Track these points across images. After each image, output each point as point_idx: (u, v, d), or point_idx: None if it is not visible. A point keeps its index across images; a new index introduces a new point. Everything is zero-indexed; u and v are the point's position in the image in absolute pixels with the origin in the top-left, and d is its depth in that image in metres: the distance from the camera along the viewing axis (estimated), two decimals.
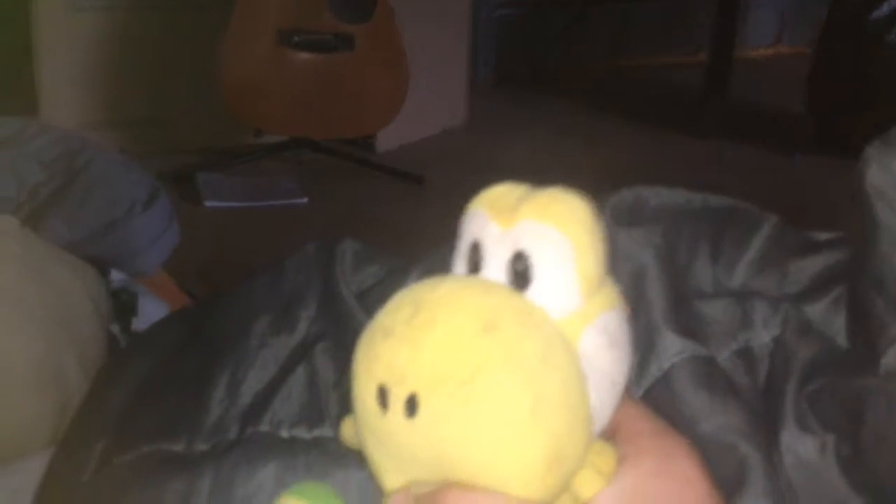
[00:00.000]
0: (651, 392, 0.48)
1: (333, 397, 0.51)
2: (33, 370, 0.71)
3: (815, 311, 0.51)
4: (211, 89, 2.17)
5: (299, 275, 0.59)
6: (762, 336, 0.50)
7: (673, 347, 0.48)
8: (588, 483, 0.36)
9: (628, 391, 0.38)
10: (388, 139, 2.48)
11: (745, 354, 0.50)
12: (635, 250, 0.52)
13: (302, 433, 0.50)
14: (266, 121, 2.25)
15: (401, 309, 0.35)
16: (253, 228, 2.09)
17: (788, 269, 0.54)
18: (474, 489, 0.34)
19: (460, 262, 0.38)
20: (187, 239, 1.10)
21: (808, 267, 0.54)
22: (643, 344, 0.48)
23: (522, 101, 3.02)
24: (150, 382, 0.58)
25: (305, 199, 2.20)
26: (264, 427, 0.51)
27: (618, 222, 0.54)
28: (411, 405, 0.34)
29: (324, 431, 0.50)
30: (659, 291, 0.50)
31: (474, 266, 0.37)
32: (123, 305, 0.88)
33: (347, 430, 0.39)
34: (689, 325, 0.50)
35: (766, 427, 0.46)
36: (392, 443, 0.35)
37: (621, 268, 0.50)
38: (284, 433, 0.50)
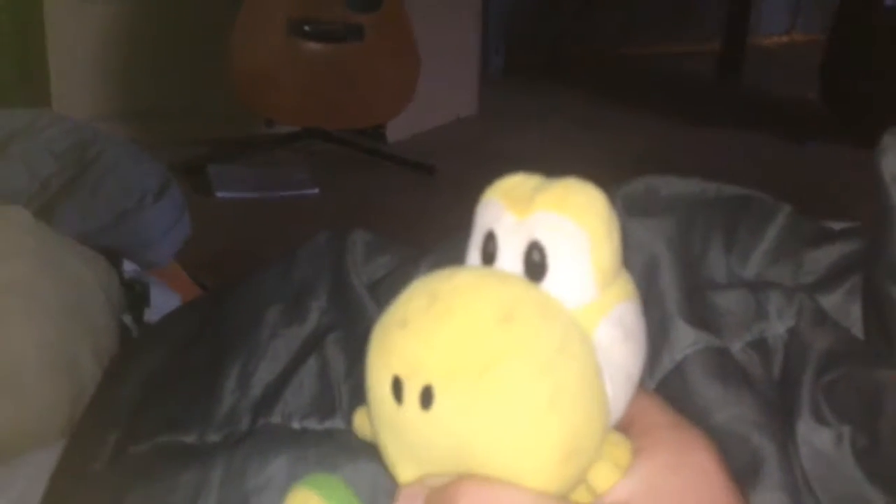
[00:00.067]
0: (664, 383, 0.47)
1: (344, 389, 0.51)
2: (47, 360, 0.71)
3: (831, 301, 0.51)
4: (222, 80, 2.17)
5: (310, 265, 0.59)
6: (777, 327, 0.50)
7: (686, 338, 0.48)
8: (604, 475, 0.36)
9: (642, 383, 0.38)
10: (399, 129, 2.48)
11: (760, 345, 0.50)
12: (648, 241, 0.51)
13: (313, 425, 0.50)
14: (277, 111, 2.25)
15: (416, 299, 0.35)
16: (264, 219, 2.09)
17: (803, 259, 0.54)
18: (490, 481, 0.34)
19: (474, 252, 0.37)
20: (199, 230, 1.10)
21: (824, 257, 0.54)
22: (656, 335, 0.48)
23: (533, 91, 3.01)
24: (162, 373, 0.58)
25: (317, 190, 2.20)
26: (276, 419, 0.50)
27: (630, 212, 0.53)
28: (426, 397, 0.33)
29: (335, 423, 0.50)
30: (672, 282, 0.50)
31: (489, 256, 0.37)
32: (136, 296, 0.88)
33: (360, 421, 0.38)
34: (702, 316, 0.49)
35: (780, 418, 0.46)
36: (406, 435, 0.35)
37: (634, 258, 0.50)
38: (296, 425, 0.50)
